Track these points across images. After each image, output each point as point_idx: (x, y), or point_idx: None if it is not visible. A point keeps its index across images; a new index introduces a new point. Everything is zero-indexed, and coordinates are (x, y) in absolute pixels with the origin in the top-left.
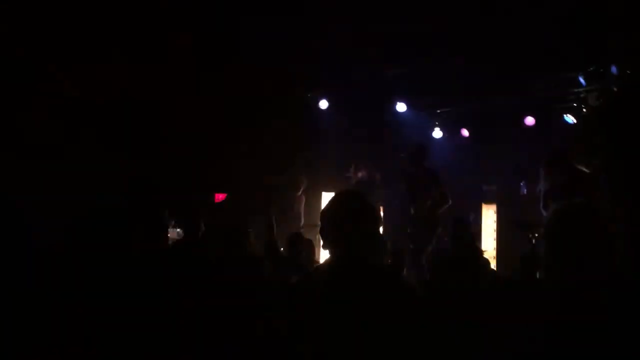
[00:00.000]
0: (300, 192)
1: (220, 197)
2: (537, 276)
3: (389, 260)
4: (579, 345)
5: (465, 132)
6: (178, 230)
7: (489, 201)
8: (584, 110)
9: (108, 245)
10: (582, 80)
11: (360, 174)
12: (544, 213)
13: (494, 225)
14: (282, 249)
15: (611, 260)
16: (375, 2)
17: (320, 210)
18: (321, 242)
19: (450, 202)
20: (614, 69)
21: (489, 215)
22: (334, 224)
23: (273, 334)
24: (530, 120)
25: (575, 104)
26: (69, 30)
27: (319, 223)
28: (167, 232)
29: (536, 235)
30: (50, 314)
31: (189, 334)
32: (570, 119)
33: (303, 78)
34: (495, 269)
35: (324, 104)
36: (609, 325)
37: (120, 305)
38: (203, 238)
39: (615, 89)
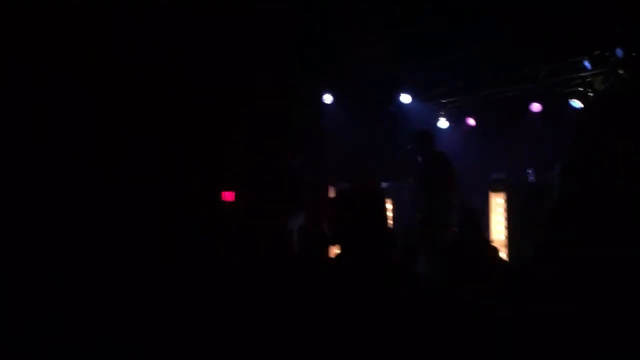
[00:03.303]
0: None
1: (228, 196)
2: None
3: (399, 254)
4: None
5: (471, 121)
6: None
7: (497, 190)
8: (590, 94)
9: None
10: (587, 64)
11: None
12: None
13: (503, 214)
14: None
15: None
16: None
17: (326, 206)
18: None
19: (456, 189)
20: (619, 52)
21: (497, 204)
22: (339, 219)
23: None
24: (536, 107)
25: (581, 89)
26: None
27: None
28: None
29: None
30: None
31: None
32: (576, 103)
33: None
34: (506, 258)
35: (328, 99)
36: None
37: None
38: None
39: (621, 72)
